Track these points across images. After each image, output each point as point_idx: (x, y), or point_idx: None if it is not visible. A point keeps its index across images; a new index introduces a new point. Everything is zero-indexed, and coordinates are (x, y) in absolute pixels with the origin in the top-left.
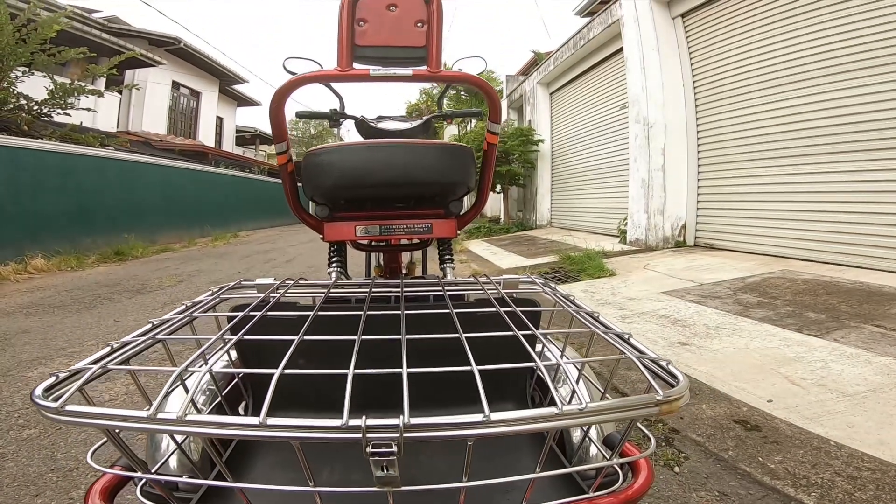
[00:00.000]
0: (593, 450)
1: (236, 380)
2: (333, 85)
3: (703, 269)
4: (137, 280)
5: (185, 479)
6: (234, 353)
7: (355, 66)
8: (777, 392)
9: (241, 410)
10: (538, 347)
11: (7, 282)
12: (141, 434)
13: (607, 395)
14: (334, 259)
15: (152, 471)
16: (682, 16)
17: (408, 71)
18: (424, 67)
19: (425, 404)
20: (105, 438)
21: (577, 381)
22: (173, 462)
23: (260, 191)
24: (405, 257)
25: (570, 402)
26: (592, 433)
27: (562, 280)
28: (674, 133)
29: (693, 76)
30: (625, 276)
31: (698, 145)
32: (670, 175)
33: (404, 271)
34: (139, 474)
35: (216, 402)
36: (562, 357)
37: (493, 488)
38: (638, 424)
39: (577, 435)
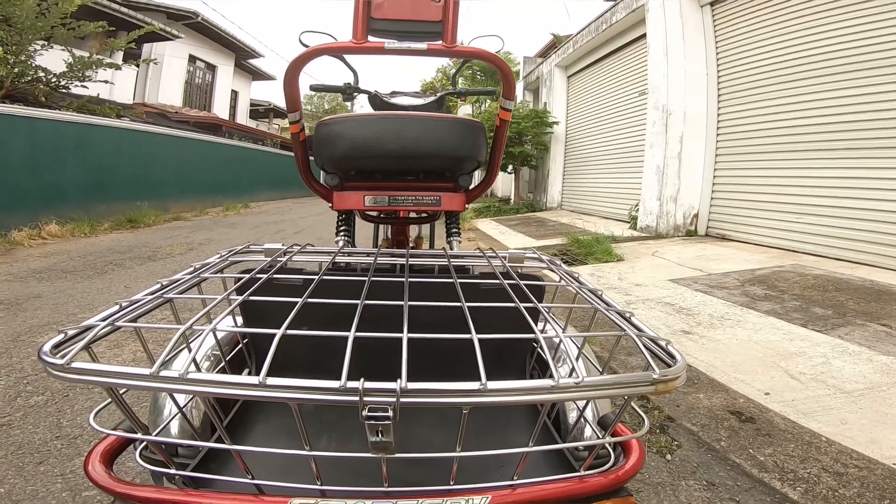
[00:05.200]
0: (587, 430)
1: (241, 345)
2: (348, 59)
3: (713, 258)
4: (148, 247)
5: (182, 441)
6: (240, 319)
7: (370, 38)
8: (775, 385)
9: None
10: (540, 325)
11: (21, 247)
12: (145, 400)
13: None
14: (342, 228)
15: (153, 434)
16: (712, 4)
17: (423, 45)
18: (440, 42)
19: (425, 377)
20: (109, 400)
21: (577, 359)
22: (175, 428)
23: (272, 163)
24: (413, 231)
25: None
26: (588, 412)
27: (569, 262)
28: (693, 122)
29: (718, 65)
30: (633, 261)
31: (717, 135)
32: (686, 163)
33: (411, 245)
34: (139, 436)
35: (220, 366)
36: (563, 332)
37: (487, 462)
38: (633, 405)
39: (572, 415)
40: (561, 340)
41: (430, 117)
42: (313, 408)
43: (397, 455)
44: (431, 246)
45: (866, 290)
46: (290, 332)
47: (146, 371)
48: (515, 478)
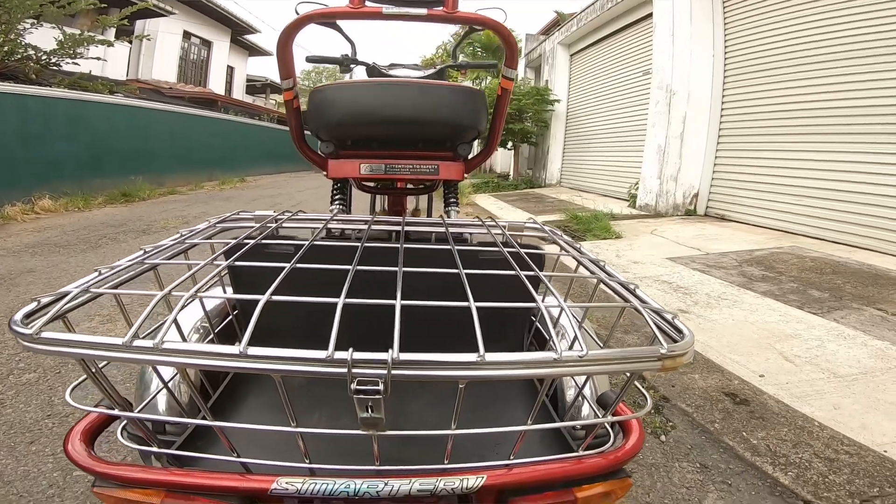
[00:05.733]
0: (586, 409)
1: (231, 317)
2: (345, 29)
3: (712, 238)
4: (143, 221)
5: (163, 417)
6: (230, 291)
7: (367, 3)
8: (770, 367)
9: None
10: (540, 297)
11: (14, 222)
12: (132, 373)
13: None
14: (337, 197)
15: (136, 410)
16: None
17: (422, 10)
18: (441, 8)
19: (420, 350)
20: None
21: (579, 330)
22: (162, 404)
23: (268, 138)
24: (410, 203)
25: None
26: (587, 391)
27: None
28: (697, 102)
29: (725, 47)
30: (631, 239)
31: (721, 116)
32: (688, 143)
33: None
34: (116, 412)
35: (209, 339)
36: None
37: (483, 440)
38: (635, 383)
39: (570, 393)
40: (562, 311)
41: (428, 84)
42: (305, 382)
43: (389, 433)
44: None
45: (863, 273)
46: (276, 297)
47: (119, 341)
48: (512, 457)
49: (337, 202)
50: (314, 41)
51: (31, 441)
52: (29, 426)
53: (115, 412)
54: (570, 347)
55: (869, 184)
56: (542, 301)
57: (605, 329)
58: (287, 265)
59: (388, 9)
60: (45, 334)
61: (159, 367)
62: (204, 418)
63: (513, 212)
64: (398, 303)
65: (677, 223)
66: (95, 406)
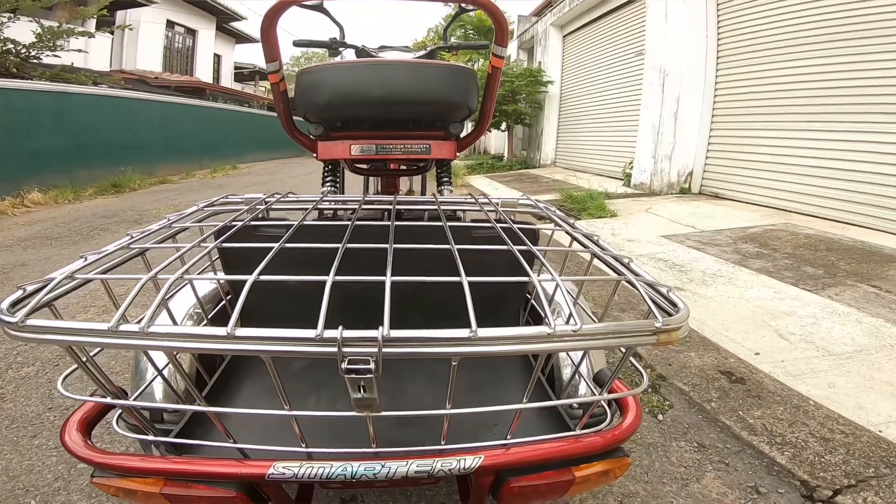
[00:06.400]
0: (583, 387)
1: (224, 302)
2: (334, 13)
3: (706, 216)
4: (135, 211)
5: (157, 405)
6: (221, 275)
7: None
8: (765, 345)
9: None
10: (535, 275)
11: (4, 216)
12: (127, 359)
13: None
14: (328, 179)
15: (131, 399)
16: None
17: None
18: None
19: (413, 328)
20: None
21: (574, 306)
22: (158, 393)
23: (259, 125)
24: (403, 185)
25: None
26: (583, 368)
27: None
28: (690, 82)
29: (718, 27)
30: (626, 217)
31: (715, 95)
32: (682, 123)
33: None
34: (108, 400)
35: (203, 324)
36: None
37: (479, 420)
38: (630, 359)
39: (566, 371)
40: (557, 286)
41: (417, 63)
42: (302, 366)
43: (383, 413)
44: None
45: (857, 250)
46: (263, 277)
47: (104, 326)
48: (509, 436)
49: (328, 184)
50: (301, 26)
51: (34, 435)
52: (31, 420)
53: (109, 401)
54: (567, 323)
55: (861, 161)
56: (538, 277)
57: (600, 307)
58: (274, 245)
59: None
60: (30, 322)
61: (154, 355)
62: (199, 406)
63: (508, 192)
64: (388, 279)
65: (672, 201)
66: (91, 395)
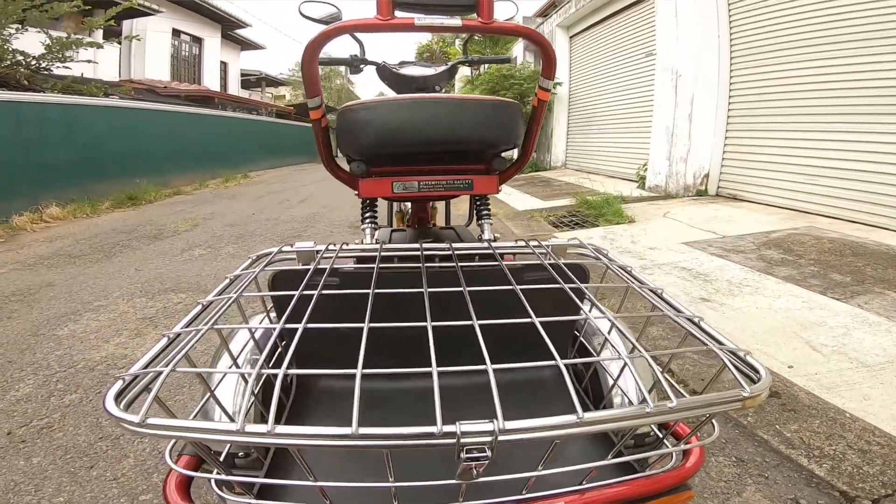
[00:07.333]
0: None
1: (280, 348)
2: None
3: (726, 220)
4: (153, 225)
5: (259, 479)
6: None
7: (398, 14)
8: (798, 358)
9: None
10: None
11: (24, 232)
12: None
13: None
14: (367, 215)
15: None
16: None
17: (457, 21)
18: (475, 16)
19: (460, 362)
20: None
21: (662, 377)
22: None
23: (268, 132)
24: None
25: (640, 401)
26: (630, 383)
27: (579, 224)
28: (704, 82)
29: (731, 27)
30: (644, 223)
31: (730, 96)
32: (697, 124)
33: (432, 223)
34: (215, 476)
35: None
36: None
37: (537, 459)
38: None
39: (616, 401)
40: (613, 326)
41: (464, 100)
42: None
43: (480, 479)
44: (447, 222)
45: (882, 254)
46: (310, 325)
47: (233, 427)
48: (585, 482)
49: (368, 221)
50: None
51: (91, 466)
52: (84, 450)
53: (212, 475)
54: (650, 391)
55: (884, 162)
56: (588, 313)
57: (636, 328)
58: (314, 292)
59: (420, 20)
60: (151, 420)
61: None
62: (291, 463)
63: (520, 196)
64: (429, 324)
65: (689, 204)
66: (178, 457)
